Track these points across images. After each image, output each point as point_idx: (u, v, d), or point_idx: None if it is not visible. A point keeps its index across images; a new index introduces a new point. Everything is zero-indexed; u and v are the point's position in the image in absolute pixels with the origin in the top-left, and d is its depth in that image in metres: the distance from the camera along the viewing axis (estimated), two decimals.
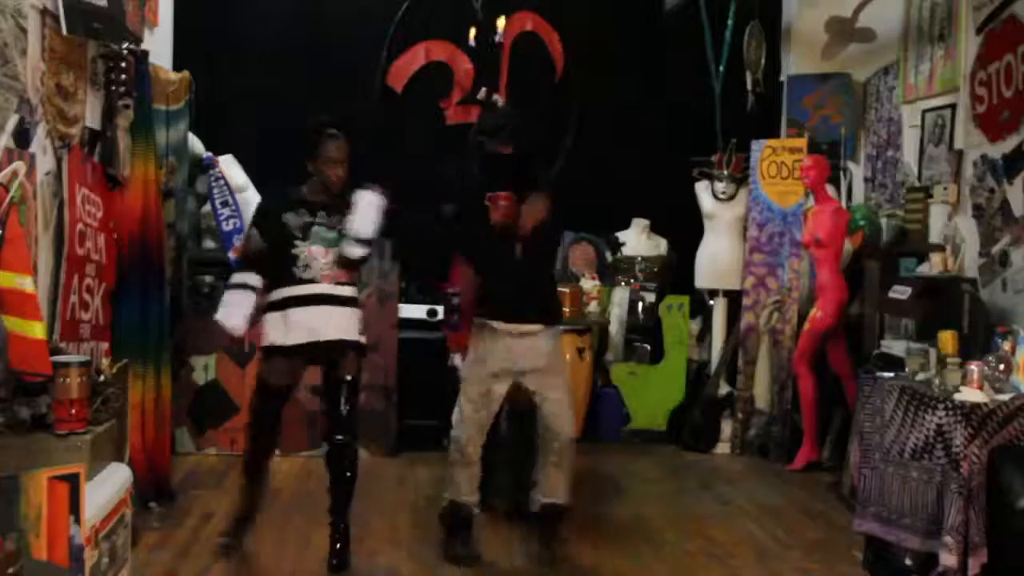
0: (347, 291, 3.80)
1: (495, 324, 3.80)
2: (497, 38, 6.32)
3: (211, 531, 4.11)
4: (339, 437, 3.75)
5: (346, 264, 3.76)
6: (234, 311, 3.68)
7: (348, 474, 3.78)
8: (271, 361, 3.77)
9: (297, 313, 3.69)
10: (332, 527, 3.78)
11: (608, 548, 4.05)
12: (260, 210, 3.88)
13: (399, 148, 6.24)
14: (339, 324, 3.74)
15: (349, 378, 3.77)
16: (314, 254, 3.71)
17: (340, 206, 3.74)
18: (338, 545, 3.74)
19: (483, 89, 6.32)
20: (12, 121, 3.19)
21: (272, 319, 3.73)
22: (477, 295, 3.98)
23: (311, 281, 3.70)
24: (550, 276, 4.14)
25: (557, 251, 4.45)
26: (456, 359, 4.75)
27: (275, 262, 3.72)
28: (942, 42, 5.23)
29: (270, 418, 3.85)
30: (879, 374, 4.01)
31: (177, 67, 5.39)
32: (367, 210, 3.72)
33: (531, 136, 4.05)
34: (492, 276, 3.90)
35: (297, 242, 3.70)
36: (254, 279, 3.74)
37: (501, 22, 6.32)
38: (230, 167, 5.47)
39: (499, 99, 6.30)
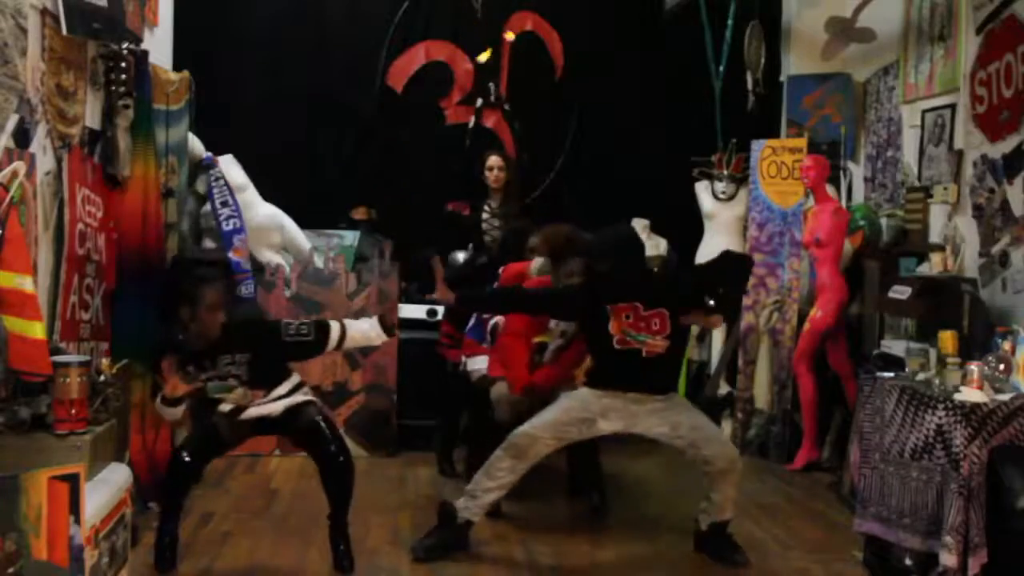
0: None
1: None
2: (508, 37, 6.31)
3: (211, 531, 4.11)
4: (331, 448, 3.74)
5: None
6: None
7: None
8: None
9: None
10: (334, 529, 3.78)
11: (608, 548, 4.05)
12: None
13: (399, 148, 6.24)
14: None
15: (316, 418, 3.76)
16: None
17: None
18: (341, 546, 3.74)
19: (491, 86, 6.32)
20: (12, 121, 3.19)
21: None
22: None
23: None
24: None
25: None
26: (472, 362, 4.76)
27: None
28: (942, 42, 5.24)
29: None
30: (879, 374, 4.01)
31: (177, 67, 5.38)
32: None
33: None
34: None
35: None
36: None
37: (510, 35, 6.32)
38: (230, 167, 5.46)
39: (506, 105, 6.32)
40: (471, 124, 6.33)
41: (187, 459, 3.63)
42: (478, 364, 4.66)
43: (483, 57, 6.30)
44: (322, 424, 3.74)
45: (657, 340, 3.82)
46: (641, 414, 3.86)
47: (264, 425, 3.80)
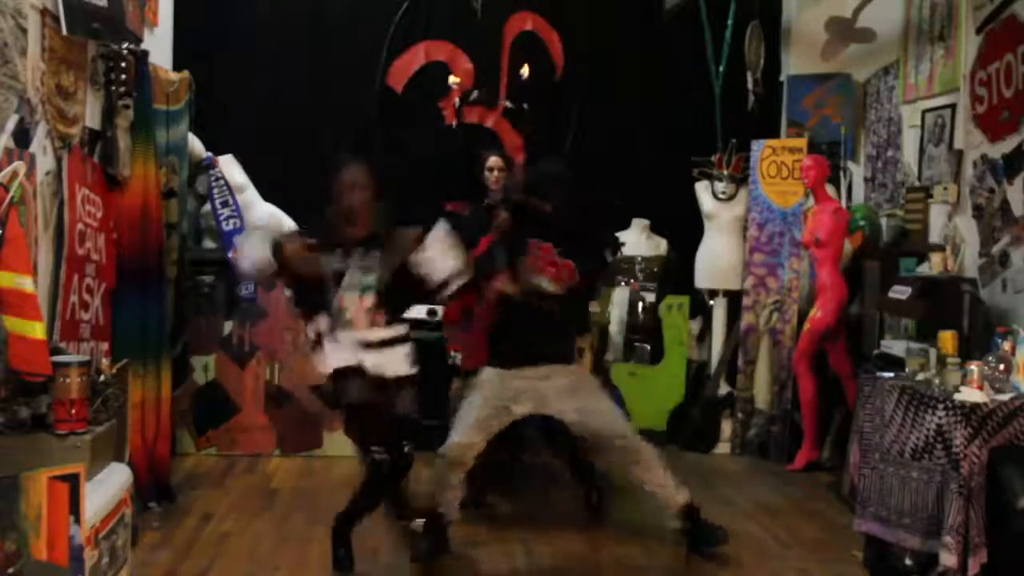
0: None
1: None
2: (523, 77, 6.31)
3: (211, 531, 4.11)
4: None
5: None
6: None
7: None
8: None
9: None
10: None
11: (608, 548, 4.05)
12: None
13: (399, 148, 6.24)
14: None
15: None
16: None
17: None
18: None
19: (483, 88, 6.32)
20: (12, 121, 3.19)
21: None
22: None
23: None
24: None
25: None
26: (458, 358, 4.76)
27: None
28: (942, 42, 5.23)
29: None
30: (879, 374, 4.01)
31: (177, 67, 5.39)
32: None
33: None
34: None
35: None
36: None
37: (525, 70, 6.32)
38: (230, 167, 5.47)
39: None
40: (455, 123, 6.32)
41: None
42: None
43: (525, 71, 6.29)
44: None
45: (556, 286, 3.80)
46: (550, 396, 3.86)
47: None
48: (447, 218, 5.13)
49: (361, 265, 3.58)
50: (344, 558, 3.70)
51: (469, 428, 3.84)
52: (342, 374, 3.56)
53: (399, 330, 3.66)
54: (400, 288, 3.62)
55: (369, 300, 3.56)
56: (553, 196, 3.89)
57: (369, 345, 3.56)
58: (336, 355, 3.55)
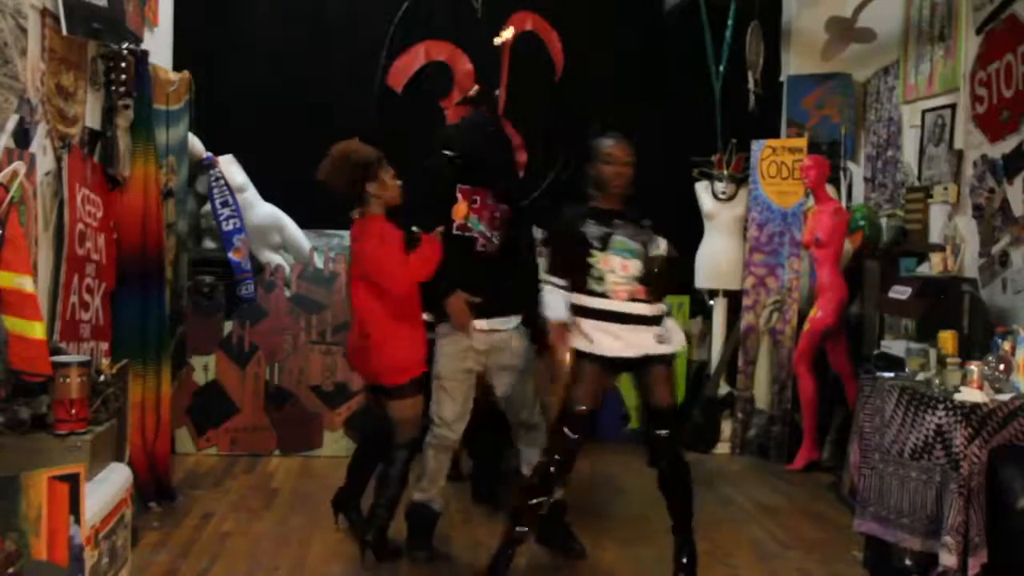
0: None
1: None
2: (498, 41, 6.29)
3: (211, 531, 4.11)
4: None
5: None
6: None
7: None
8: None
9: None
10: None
11: (608, 548, 4.05)
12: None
13: (399, 148, 6.23)
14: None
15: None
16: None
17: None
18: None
19: (475, 88, 6.31)
20: (12, 121, 3.19)
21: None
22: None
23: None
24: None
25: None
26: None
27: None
28: (942, 42, 5.23)
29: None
30: (879, 374, 4.01)
31: (177, 67, 5.39)
32: None
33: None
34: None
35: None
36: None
37: (498, 39, 6.30)
38: (230, 167, 5.47)
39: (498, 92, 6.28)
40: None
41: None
42: None
43: (499, 39, 6.26)
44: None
45: (494, 236, 3.85)
46: (493, 369, 3.90)
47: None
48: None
49: (626, 233, 3.63)
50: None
51: (447, 412, 3.88)
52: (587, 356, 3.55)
53: (659, 308, 3.65)
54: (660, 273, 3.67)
55: (633, 267, 3.58)
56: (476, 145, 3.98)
57: (626, 317, 3.55)
58: (602, 337, 3.53)
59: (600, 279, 3.55)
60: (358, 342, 3.87)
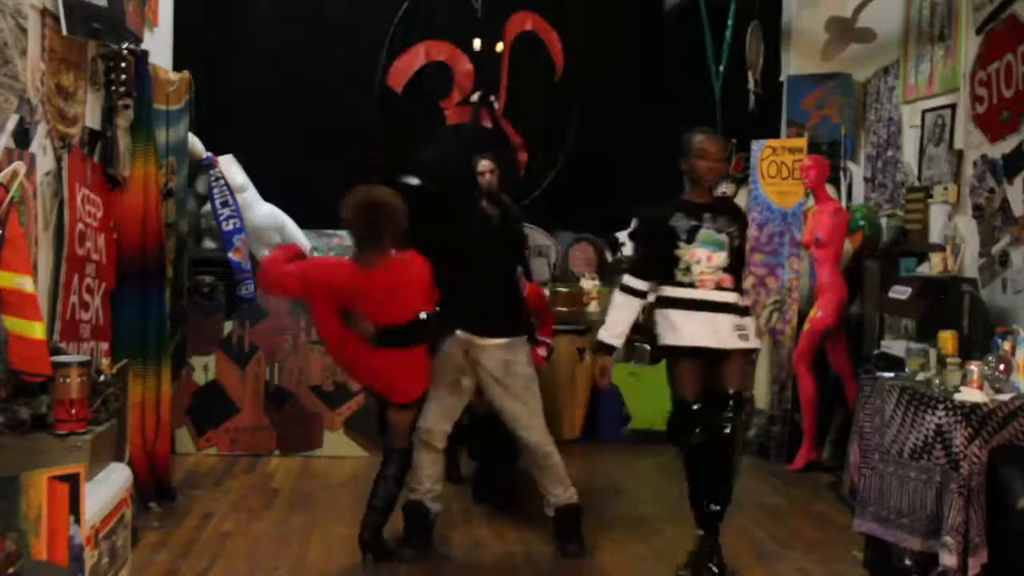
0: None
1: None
2: (499, 47, 6.31)
3: (211, 531, 4.11)
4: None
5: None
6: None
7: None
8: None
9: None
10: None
11: (608, 548, 4.05)
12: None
13: (399, 148, 6.24)
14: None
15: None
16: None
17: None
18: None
19: (478, 93, 6.31)
20: (12, 121, 3.19)
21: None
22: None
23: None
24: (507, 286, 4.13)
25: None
26: None
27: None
28: (942, 42, 5.23)
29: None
30: (879, 374, 4.01)
31: (177, 67, 5.38)
32: None
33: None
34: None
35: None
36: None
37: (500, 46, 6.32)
38: (230, 167, 5.47)
39: (496, 102, 6.29)
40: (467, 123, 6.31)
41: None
42: None
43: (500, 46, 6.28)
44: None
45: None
46: (487, 381, 3.91)
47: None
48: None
49: (714, 225, 3.77)
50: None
51: (430, 412, 3.94)
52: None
53: (739, 298, 3.81)
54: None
55: (719, 258, 3.73)
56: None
57: (711, 306, 3.71)
58: (688, 324, 3.69)
59: (687, 270, 3.72)
60: (351, 358, 3.85)
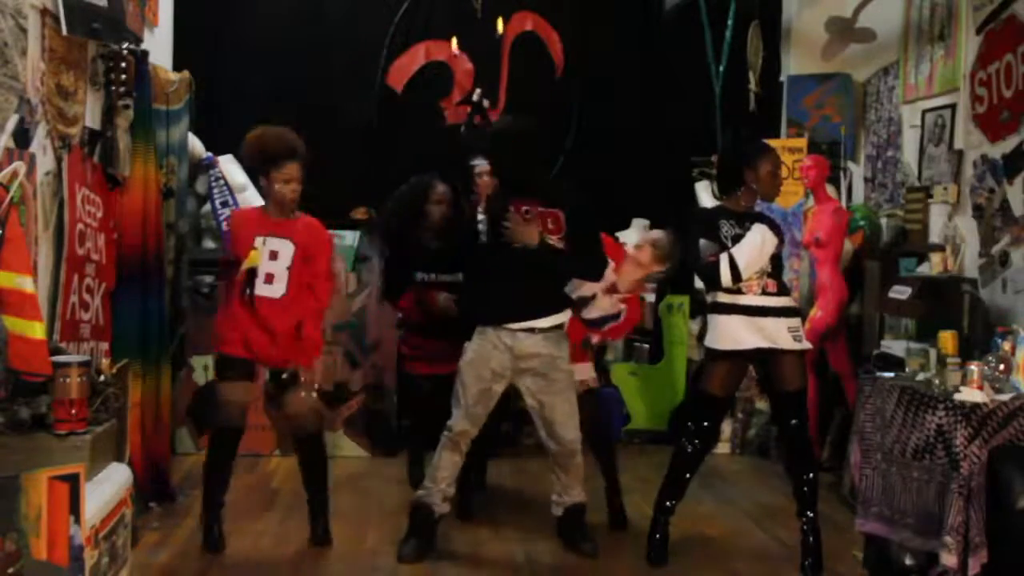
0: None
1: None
2: (498, 35, 6.30)
3: None
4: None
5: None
6: None
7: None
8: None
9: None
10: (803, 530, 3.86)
11: (608, 548, 4.05)
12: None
13: (399, 148, 6.24)
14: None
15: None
16: None
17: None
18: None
19: (477, 91, 6.31)
20: (12, 121, 3.18)
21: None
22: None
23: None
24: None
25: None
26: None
27: None
28: (942, 42, 5.23)
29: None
30: (879, 374, 4.00)
31: (177, 67, 5.39)
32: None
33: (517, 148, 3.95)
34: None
35: None
36: None
37: (500, 25, 6.31)
38: (230, 167, 5.47)
39: (487, 101, 6.28)
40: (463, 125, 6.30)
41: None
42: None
43: (500, 25, 6.27)
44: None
45: (554, 239, 3.83)
46: (527, 377, 3.84)
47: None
48: None
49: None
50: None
51: (462, 415, 3.87)
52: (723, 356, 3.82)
53: (788, 301, 3.87)
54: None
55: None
56: (521, 155, 3.89)
57: (759, 311, 3.77)
58: (736, 333, 3.78)
59: None
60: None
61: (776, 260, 3.88)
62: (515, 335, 3.80)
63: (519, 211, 3.81)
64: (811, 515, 3.82)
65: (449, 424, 3.90)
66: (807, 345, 3.91)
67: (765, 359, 3.83)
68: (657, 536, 3.92)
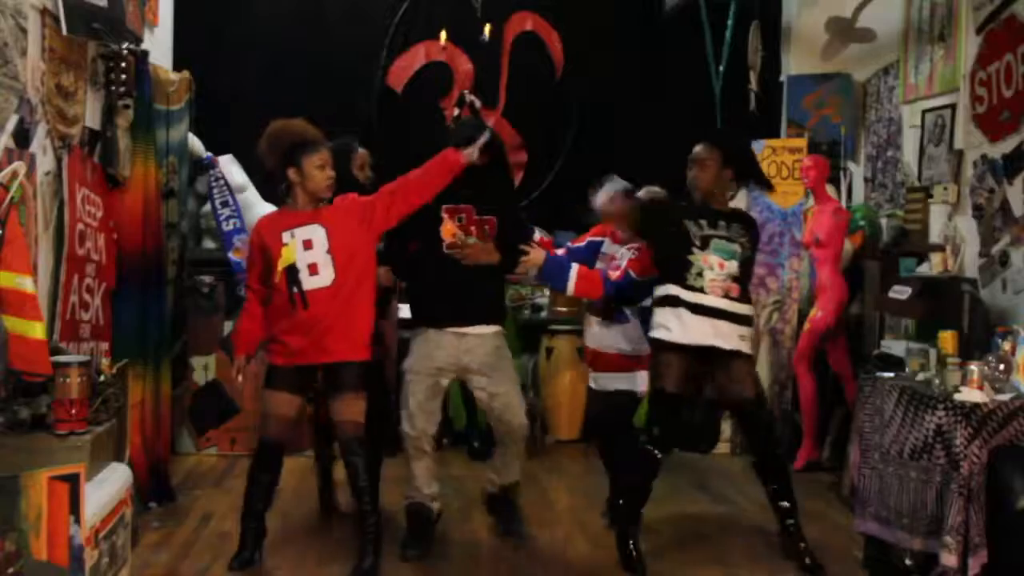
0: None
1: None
2: (483, 38, 6.29)
3: (211, 531, 4.11)
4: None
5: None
6: None
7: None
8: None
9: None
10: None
11: (607, 548, 4.04)
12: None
13: (399, 148, 6.23)
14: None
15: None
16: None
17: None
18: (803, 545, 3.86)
19: (464, 92, 6.31)
20: (12, 121, 3.19)
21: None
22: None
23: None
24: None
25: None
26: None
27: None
28: (942, 42, 5.23)
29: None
30: (879, 374, 4.01)
31: (177, 67, 5.39)
32: None
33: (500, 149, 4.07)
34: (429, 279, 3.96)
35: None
36: None
37: (487, 30, 6.31)
38: (230, 167, 5.47)
39: (476, 101, 6.28)
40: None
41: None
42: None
43: (487, 29, 6.27)
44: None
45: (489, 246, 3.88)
46: (472, 369, 3.92)
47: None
48: None
49: (728, 233, 3.83)
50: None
51: (412, 417, 3.92)
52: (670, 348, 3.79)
53: (747, 309, 3.87)
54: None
55: (730, 266, 3.79)
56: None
57: (717, 312, 3.77)
58: (693, 328, 3.76)
59: (699, 274, 3.77)
60: None
61: (746, 264, 3.88)
62: (458, 337, 3.89)
63: (452, 217, 3.87)
64: (792, 523, 3.84)
65: (406, 432, 3.95)
66: (751, 351, 3.92)
67: (714, 362, 3.83)
68: (635, 552, 3.82)
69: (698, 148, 3.96)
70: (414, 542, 3.93)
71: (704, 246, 3.78)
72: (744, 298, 3.86)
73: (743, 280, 3.87)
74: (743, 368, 3.84)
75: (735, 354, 3.80)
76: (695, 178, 3.93)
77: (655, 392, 3.87)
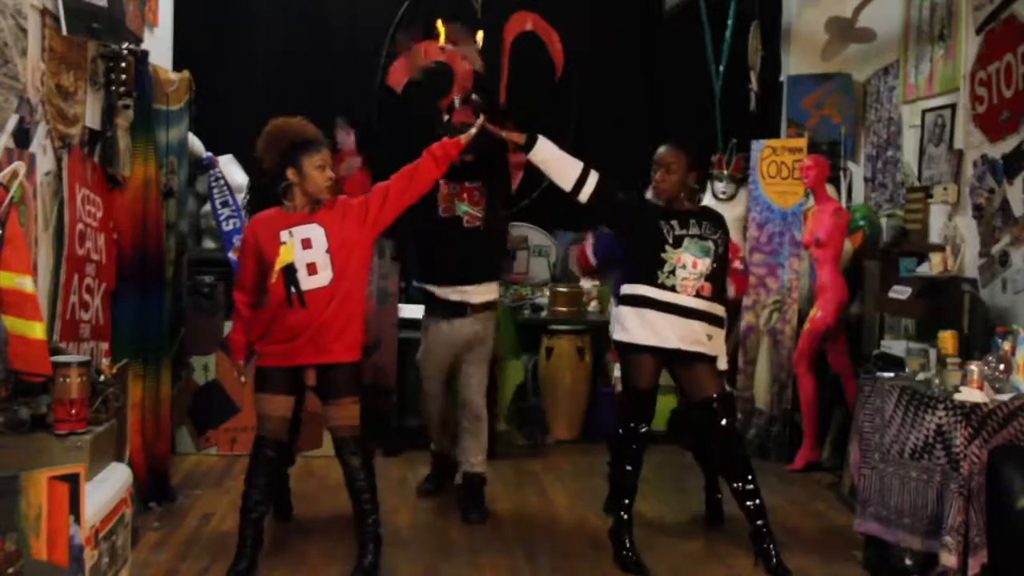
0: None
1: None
2: (476, 45, 6.28)
3: (211, 531, 4.11)
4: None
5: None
6: None
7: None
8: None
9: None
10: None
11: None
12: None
13: (399, 148, 6.23)
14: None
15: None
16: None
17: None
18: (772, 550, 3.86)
19: (457, 98, 6.30)
20: (12, 121, 3.19)
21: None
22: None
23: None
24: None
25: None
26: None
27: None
28: (942, 42, 5.24)
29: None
30: (879, 374, 4.01)
31: (177, 67, 5.39)
32: None
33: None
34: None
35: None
36: None
37: (480, 35, 6.30)
38: (230, 167, 5.47)
39: (476, 98, 6.28)
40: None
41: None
42: None
43: (479, 36, 6.26)
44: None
45: (476, 211, 4.39)
46: (460, 345, 4.44)
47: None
48: None
49: (700, 231, 3.87)
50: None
51: (430, 363, 4.55)
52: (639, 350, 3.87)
53: (719, 310, 3.90)
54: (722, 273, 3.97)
55: (703, 264, 3.82)
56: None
57: (688, 312, 3.80)
58: (660, 329, 3.81)
59: (671, 273, 3.81)
60: None
61: (720, 264, 3.88)
62: (453, 322, 4.38)
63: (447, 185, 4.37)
64: (761, 524, 3.82)
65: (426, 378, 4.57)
66: (714, 353, 3.88)
67: (676, 362, 3.89)
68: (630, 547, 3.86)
69: (664, 150, 3.97)
70: (433, 478, 4.72)
71: (677, 244, 3.81)
72: (716, 297, 3.86)
73: (716, 279, 3.86)
74: (703, 370, 3.87)
75: (697, 356, 3.84)
76: (662, 181, 3.95)
77: (629, 391, 3.96)
